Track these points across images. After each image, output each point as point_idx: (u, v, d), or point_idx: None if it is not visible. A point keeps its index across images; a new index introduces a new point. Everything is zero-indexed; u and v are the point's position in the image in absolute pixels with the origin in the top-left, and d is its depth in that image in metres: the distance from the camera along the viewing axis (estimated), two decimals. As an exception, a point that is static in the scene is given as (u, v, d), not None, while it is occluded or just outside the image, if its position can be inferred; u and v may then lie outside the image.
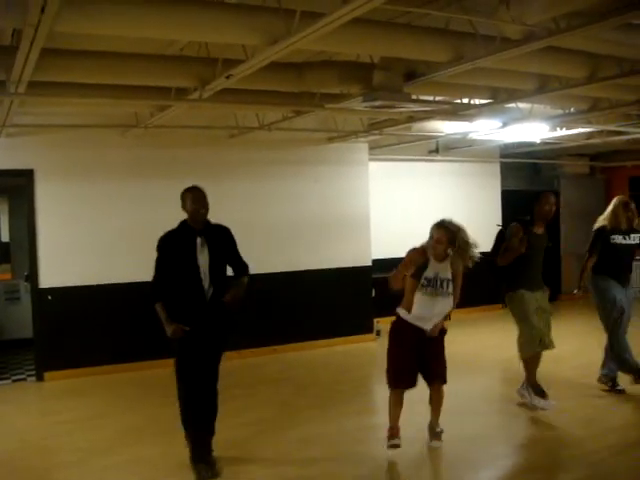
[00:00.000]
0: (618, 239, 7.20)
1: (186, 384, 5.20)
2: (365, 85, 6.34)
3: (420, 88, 6.80)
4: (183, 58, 6.24)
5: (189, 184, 5.33)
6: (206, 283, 5.21)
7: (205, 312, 5.20)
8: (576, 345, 9.38)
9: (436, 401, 5.68)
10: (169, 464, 5.38)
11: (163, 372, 8.61)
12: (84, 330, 8.74)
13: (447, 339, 5.60)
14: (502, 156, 13.67)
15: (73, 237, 8.67)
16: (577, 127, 9.90)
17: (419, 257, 5.43)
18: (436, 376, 5.57)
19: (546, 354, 6.55)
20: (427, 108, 7.55)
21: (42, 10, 3.84)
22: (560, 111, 9.04)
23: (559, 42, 5.26)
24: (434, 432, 5.71)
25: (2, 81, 5.91)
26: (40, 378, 8.57)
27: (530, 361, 6.58)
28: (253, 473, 5.29)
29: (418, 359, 5.47)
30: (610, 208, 7.38)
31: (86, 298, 8.73)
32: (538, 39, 4.95)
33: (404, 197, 12.33)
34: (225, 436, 5.60)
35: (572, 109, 8.80)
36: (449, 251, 5.42)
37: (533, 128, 9.48)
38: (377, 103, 6.23)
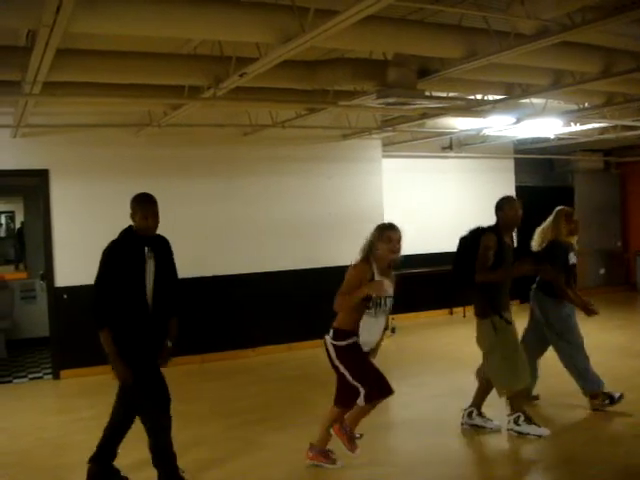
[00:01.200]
0: (573, 259, 6.57)
1: (159, 409, 4.87)
2: (378, 82, 6.33)
3: (433, 84, 6.79)
4: (197, 57, 6.26)
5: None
6: (149, 299, 4.82)
7: (149, 331, 4.83)
8: (589, 341, 9.32)
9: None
10: (185, 462, 5.39)
11: (180, 370, 8.68)
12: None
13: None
14: (516, 152, 13.62)
15: (88, 236, 8.67)
16: (591, 122, 9.85)
17: (366, 275, 4.94)
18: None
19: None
20: (440, 104, 7.54)
21: (57, 10, 3.86)
22: (574, 106, 8.99)
23: (573, 37, 5.25)
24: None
25: (17, 82, 5.95)
26: (56, 376, 8.62)
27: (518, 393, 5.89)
28: (266, 470, 5.33)
29: None
30: (551, 218, 6.75)
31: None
32: (552, 34, 4.93)
33: (418, 194, 12.30)
34: (236, 433, 5.60)
35: (586, 104, 8.75)
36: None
37: (547, 124, 9.45)
38: (391, 100, 6.23)
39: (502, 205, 5.97)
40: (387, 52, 6.33)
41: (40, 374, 8.99)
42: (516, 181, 13.66)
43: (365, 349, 5.06)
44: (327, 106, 7.53)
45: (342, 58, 6.54)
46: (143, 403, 4.86)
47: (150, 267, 4.82)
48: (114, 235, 5.04)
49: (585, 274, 14.51)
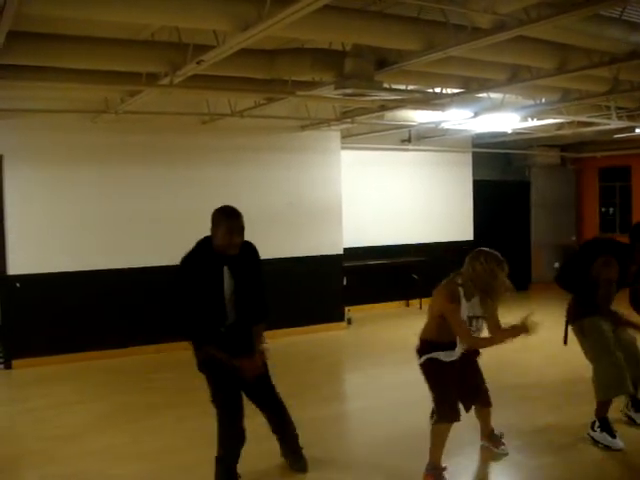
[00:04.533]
0: None
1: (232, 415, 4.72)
2: (337, 73, 6.33)
3: (392, 76, 6.81)
4: (154, 43, 6.18)
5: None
6: (231, 315, 4.59)
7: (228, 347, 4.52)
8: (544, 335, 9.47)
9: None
10: (138, 452, 5.36)
11: (132, 360, 8.63)
12: (53, 318, 8.67)
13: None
14: (474, 146, 13.74)
15: (42, 224, 8.58)
16: (548, 118, 9.98)
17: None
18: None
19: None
20: (399, 97, 7.57)
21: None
22: (531, 101, 9.10)
23: (530, 32, 5.30)
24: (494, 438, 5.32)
25: (-32, 64, 5.83)
26: (8, 366, 8.48)
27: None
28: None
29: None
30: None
31: (55, 285, 8.65)
32: (509, 29, 4.97)
33: (376, 186, 12.33)
34: (195, 425, 5.58)
35: (543, 100, 8.86)
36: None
37: (504, 118, 9.54)
38: (348, 91, 6.23)
39: None
40: (346, 43, 6.32)
41: (-9, 363, 8.86)
42: (474, 175, 13.78)
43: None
44: (285, 96, 7.51)
45: (301, 48, 6.52)
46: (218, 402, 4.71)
47: (228, 286, 4.54)
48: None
49: (540, 268, 14.74)
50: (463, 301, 4.60)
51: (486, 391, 5.13)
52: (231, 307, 4.55)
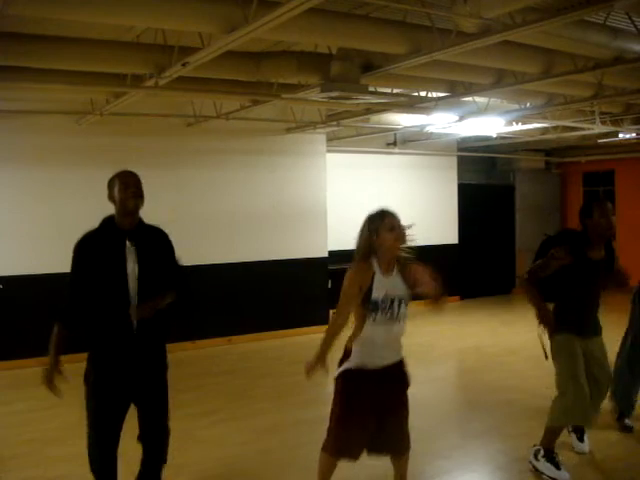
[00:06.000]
0: None
1: (100, 436, 4.27)
2: (323, 76, 6.34)
3: (377, 80, 6.83)
4: (139, 45, 6.18)
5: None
6: (134, 304, 3.98)
7: (130, 344, 4.06)
8: (528, 337, 9.51)
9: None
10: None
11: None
12: (36, 319, 8.59)
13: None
14: (459, 150, 13.81)
15: (26, 225, 8.52)
16: (533, 122, 10.04)
17: (367, 275, 3.99)
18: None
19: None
20: (384, 100, 7.58)
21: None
22: (516, 106, 9.15)
23: (515, 37, 5.34)
24: None
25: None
26: (-11, 368, 8.42)
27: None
28: (205, 464, 5.28)
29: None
30: None
31: (39, 287, 8.58)
32: (494, 33, 5.00)
33: (361, 189, 12.33)
34: (176, 426, 5.54)
35: (528, 104, 8.91)
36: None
37: (489, 122, 9.59)
38: (334, 94, 6.23)
39: (590, 211, 4.95)
40: (332, 46, 6.34)
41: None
42: (459, 179, 13.83)
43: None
44: (271, 98, 7.51)
45: (287, 51, 6.54)
46: (88, 415, 4.31)
47: (132, 264, 4.00)
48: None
49: (524, 271, 14.78)
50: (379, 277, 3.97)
51: (406, 435, 4.22)
52: (134, 294, 3.98)
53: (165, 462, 4.34)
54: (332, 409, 4.16)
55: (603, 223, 4.87)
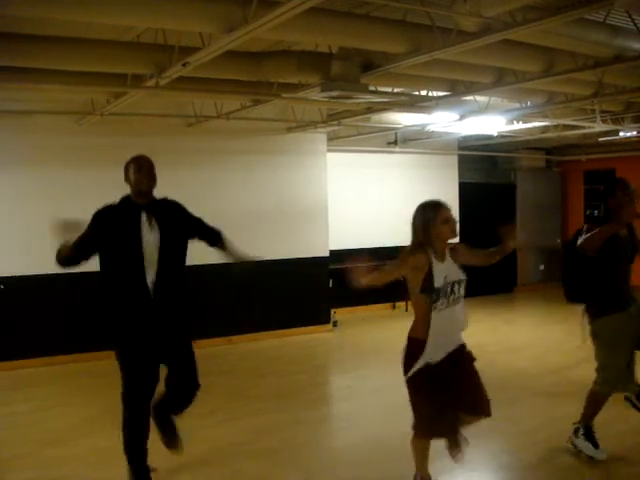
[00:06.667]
0: None
1: (134, 407, 4.60)
2: (323, 75, 6.34)
3: (378, 79, 6.83)
4: (140, 45, 6.17)
5: None
6: (151, 274, 4.34)
7: (149, 307, 4.39)
8: (529, 336, 9.53)
9: None
10: (122, 455, 5.32)
11: (116, 363, 8.57)
12: (37, 319, 8.61)
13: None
14: (460, 149, 13.79)
15: (26, 226, 8.51)
16: (533, 121, 10.04)
17: (423, 265, 4.14)
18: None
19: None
20: (385, 99, 7.58)
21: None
22: (517, 104, 9.14)
23: (515, 36, 5.33)
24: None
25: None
26: (-9, 369, 8.43)
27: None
28: (205, 463, 5.28)
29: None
30: None
31: (40, 287, 8.59)
32: (494, 32, 4.99)
33: (362, 189, 12.34)
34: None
35: (528, 103, 8.90)
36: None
37: (490, 121, 9.57)
38: (334, 93, 6.23)
39: (613, 189, 4.99)
40: (332, 45, 6.34)
41: (-26, 366, 8.78)
42: (460, 177, 13.82)
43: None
44: (271, 98, 7.51)
45: (287, 50, 6.53)
46: (122, 391, 4.61)
47: (151, 235, 4.39)
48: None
49: (525, 270, 14.81)
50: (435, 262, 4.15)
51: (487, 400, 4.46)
52: (152, 265, 4.36)
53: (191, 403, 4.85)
54: (413, 405, 4.28)
55: (627, 200, 4.91)
